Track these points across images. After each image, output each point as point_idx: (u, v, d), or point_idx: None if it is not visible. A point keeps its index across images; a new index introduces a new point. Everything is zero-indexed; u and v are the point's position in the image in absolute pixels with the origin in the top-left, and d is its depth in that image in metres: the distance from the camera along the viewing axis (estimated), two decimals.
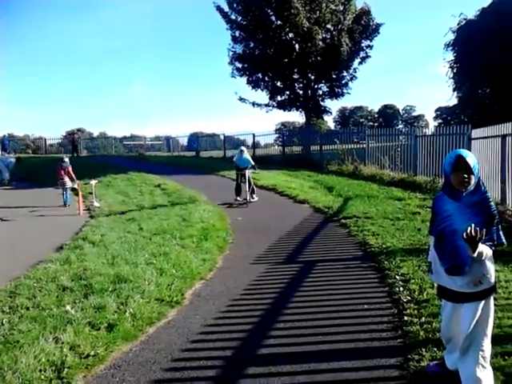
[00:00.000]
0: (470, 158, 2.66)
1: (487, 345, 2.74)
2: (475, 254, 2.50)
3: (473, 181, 2.66)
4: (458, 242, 2.66)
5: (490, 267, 2.71)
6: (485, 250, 2.57)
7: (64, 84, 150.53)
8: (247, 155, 12.13)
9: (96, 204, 11.39)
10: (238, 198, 11.56)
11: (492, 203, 2.70)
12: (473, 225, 2.43)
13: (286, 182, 14.18)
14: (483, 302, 2.71)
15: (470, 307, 2.72)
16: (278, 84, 25.65)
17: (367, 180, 14.12)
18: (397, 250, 6.16)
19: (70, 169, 12.32)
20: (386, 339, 3.73)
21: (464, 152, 2.71)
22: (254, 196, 11.84)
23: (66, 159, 12.56)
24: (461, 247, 2.63)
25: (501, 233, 2.68)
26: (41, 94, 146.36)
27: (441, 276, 2.81)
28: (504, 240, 2.68)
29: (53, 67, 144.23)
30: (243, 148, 12.49)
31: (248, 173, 11.59)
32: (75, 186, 12.19)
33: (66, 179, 12.08)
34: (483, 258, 2.59)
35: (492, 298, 2.78)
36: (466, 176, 2.63)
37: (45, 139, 36.38)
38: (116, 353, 3.68)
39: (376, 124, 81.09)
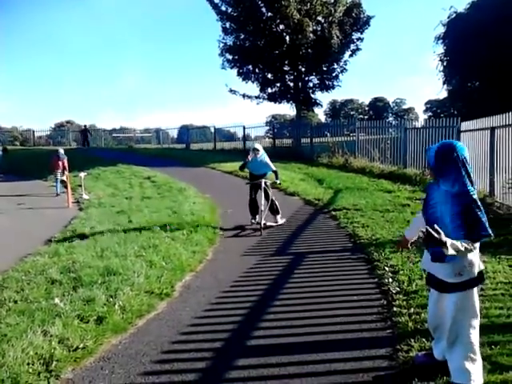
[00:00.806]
0: (432, 150, 2.71)
1: (475, 336, 2.75)
2: (449, 252, 2.49)
3: (436, 174, 2.72)
4: None
5: (472, 259, 2.70)
6: (458, 245, 2.52)
7: (53, 76, 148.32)
8: (265, 157, 8.10)
9: (85, 196, 11.33)
10: (253, 221, 8.15)
11: (472, 196, 2.63)
12: (435, 226, 2.47)
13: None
14: (464, 293, 2.72)
15: (451, 298, 2.75)
16: (269, 76, 25.49)
17: (357, 172, 14.16)
18: (386, 242, 6.21)
19: (66, 161, 12.77)
20: (375, 330, 3.76)
21: (432, 146, 2.76)
22: (279, 218, 8.14)
23: (62, 150, 13.03)
24: None
25: (487, 225, 2.62)
26: (28, 86, 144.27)
27: (429, 263, 2.83)
28: (490, 231, 2.65)
29: (41, 60, 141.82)
30: (257, 146, 8.16)
31: (265, 183, 8.02)
32: (64, 179, 12.22)
33: (61, 170, 12.56)
34: (460, 251, 2.54)
35: (475, 289, 2.77)
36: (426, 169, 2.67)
37: (33, 131, 36.01)
38: (105, 345, 3.66)
39: (366, 117, 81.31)
